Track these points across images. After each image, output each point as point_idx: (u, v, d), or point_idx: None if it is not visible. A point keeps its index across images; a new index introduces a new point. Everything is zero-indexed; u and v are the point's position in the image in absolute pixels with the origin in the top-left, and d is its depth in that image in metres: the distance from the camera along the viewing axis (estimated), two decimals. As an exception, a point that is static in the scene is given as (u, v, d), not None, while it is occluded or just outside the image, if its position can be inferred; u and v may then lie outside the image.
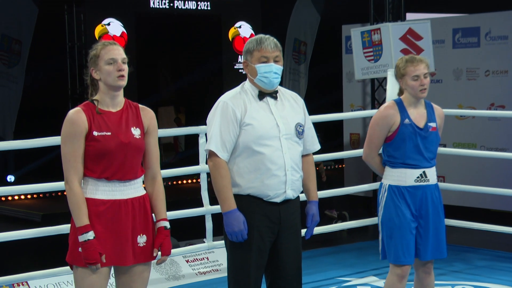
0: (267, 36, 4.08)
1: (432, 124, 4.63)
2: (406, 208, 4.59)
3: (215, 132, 4.00)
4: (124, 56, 3.82)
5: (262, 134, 3.99)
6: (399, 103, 4.66)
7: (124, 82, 3.78)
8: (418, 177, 4.59)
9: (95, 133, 3.69)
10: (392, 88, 7.05)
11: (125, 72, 3.78)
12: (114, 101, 3.80)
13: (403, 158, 4.59)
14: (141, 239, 3.78)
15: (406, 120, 4.59)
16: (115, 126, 3.74)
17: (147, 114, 3.89)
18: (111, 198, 3.71)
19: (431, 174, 4.64)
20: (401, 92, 4.74)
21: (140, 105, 3.91)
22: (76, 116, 3.70)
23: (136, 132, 3.79)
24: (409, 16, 10.87)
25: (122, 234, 3.71)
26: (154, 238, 3.83)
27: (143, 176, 3.88)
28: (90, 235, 3.62)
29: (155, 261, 3.88)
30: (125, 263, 3.74)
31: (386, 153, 4.70)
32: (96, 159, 3.70)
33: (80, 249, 3.64)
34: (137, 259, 3.77)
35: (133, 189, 3.78)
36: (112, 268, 3.81)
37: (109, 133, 3.71)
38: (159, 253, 3.85)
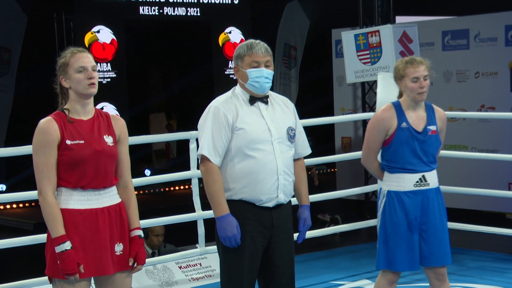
0: (258, 41, 4.09)
1: (432, 127, 4.54)
2: (403, 215, 4.50)
3: (207, 137, 4.00)
4: (94, 63, 3.78)
5: (254, 138, 3.99)
6: (397, 106, 4.56)
7: (95, 90, 3.74)
8: (417, 182, 4.51)
9: (68, 142, 3.66)
10: (382, 91, 7.05)
11: (96, 80, 3.74)
12: (85, 109, 3.76)
13: (400, 162, 4.50)
14: (118, 248, 3.76)
15: (404, 124, 4.50)
16: (87, 134, 3.71)
17: (118, 123, 3.87)
18: (87, 207, 3.68)
19: (431, 177, 4.55)
20: (400, 95, 4.64)
21: (110, 114, 3.88)
22: (48, 125, 3.67)
23: (108, 140, 3.77)
24: (398, 19, 10.90)
25: (101, 244, 3.68)
26: (129, 246, 3.80)
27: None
28: (67, 245, 3.59)
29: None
30: (106, 272, 3.71)
31: (383, 157, 4.62)
32: (70, 168, 3.66)
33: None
34: (115, 267, 3.74)
35: (109, 198, 3.76)
36: (92, 279, 3.78)
37: (82, 141, 3.68)
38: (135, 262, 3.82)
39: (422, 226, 4.54)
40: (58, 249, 3.58)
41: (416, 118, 4.54)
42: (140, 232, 3.84)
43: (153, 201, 12.14)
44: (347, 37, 8.60)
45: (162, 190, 12.91)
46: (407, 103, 4.56)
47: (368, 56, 8.46)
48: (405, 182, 4.52)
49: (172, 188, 13.23)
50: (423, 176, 4.53)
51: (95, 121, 3.77)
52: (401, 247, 4.53)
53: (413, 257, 4.55)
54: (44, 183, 3.63)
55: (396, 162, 4.54)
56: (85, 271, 3.64)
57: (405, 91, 4.55)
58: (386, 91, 7.22)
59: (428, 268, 4.63)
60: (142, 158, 14.18)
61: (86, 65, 3.73)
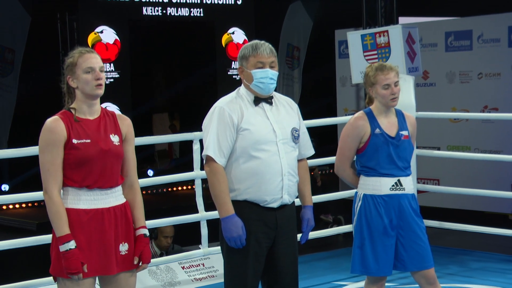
0: (263, 41, 4.10)
1: (404, 133, 4.56)
2: (379, 219, 4.50)
3: (212, 137, 4.00)
4: (102, 64, 3.78)
5: (259, 139, 4.00)
6: (369, 113, 4.58)
7: (101, 91, 3.75)
8: (393, 186, 4.51)
9: (75, 141, 3.67)
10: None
11: (103, 81, 3.75)
12: (92, 109, 3.78)
13: (376, 168, 4.52)
14: (123, 247, 3.77)
15: (377, 130, 4.51)
16: (94, 134, 3.72)
17: (125, 122, 3.88)
18: (93, 207, 3.69)
19: (407, 183, 4.55)
20: (370, 101, 4.66)
21: (116, 113, 3.89)
22: (55, 124, 3.68)
23: (115, 139, 3.78)
24: (401, 20, 10.90)
25: (106, 243, 3.69)
26: (135, 245, 3.82)
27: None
28: (72, 244, 3.60)
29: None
30: (110, 272, 3.73)
31: (359, 164, 4.63)
32: (76, 168, 3.68)
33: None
34: (119, 267, 3.75)
35: (114, 197, 3.77)
36: (97, 279, 3.79)
37: (88, 141, 3.69)
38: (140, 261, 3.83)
39: (400, 231, 4.53)
40: (63, 248, 3.60)
41: (388, 124, 4.56)
42: (146, 231, 3.85)
43: (155, 201, 12.16)
44: (353, 37, 8.58)
45: (164, 190, 12.93)
46: (379, 109, 4.58)
47: (376, 56, 8.43)
48: (381, 186, 4.52)
49: (174, 189, 13.24)
50: (399, 180, 4.53)
51: (101, 120, 3.78)
52: (376, 251, 4.52)
53: (387, 262, 4.53)
54: (50, 181, 3.65)
55: (372, 167, 4.54)
56: (90, 270, 3.65)
57: (377, 97, 4.57)
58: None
59: (416, 273, 4.59)
60: (145, 158, 14.20)
61: (94, 66, 3.74)
